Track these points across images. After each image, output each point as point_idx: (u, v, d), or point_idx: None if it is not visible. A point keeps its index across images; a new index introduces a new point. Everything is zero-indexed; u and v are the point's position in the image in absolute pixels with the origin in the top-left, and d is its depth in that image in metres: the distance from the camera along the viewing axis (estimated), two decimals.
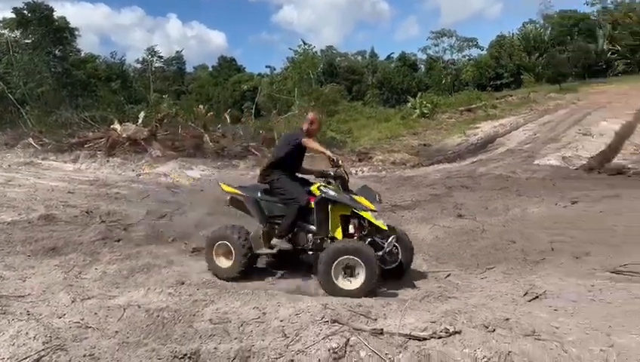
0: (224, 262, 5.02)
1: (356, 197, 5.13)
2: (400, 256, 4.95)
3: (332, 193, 5.11)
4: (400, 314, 3.79)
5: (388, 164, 18.36)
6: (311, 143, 5.42)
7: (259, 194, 5.50)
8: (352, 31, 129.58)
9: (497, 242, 6.19)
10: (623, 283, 4.60)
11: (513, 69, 60.24)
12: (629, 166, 13.51)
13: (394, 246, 4.93)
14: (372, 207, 5.06)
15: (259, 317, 3.60)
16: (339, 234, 5.12)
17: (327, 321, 3.48)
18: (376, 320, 3.62)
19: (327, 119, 22.59)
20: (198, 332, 3.30)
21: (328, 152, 5.20)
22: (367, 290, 4.47)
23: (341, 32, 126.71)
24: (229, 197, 5.63)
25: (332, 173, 5.37)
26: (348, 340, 3.06)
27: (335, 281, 4.54)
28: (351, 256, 4.56)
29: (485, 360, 3.05)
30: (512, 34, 69.15)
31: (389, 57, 76.10)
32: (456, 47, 67.47)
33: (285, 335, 3.28)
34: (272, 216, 5.41)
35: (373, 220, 5.05)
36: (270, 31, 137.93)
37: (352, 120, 31.45)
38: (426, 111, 33.67)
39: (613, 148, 16.38)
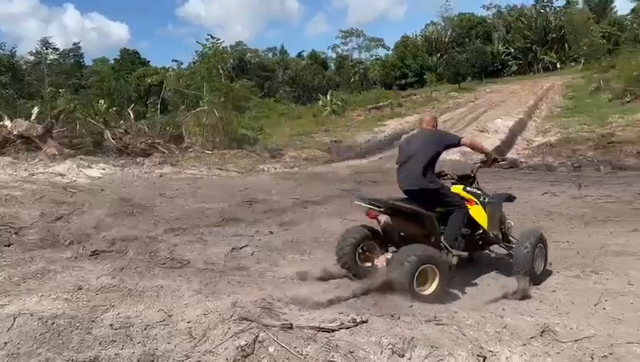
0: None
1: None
2: None
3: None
4: (310, 307, 3.81)
5: (300, 160, 18.48)
6: (471, 141, 5.39)
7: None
8: (262, 27, 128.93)
9: None
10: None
11: (417, 68, 63.08)
12: (521, 160, 14.67)
13: None
14: None
15: (164, 320, 3.44)
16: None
17: (236, 319, 3.41)
18: (285, 314, 3.61)
19: (238, 116, 22.26)
20: (97, 338, 3.09)
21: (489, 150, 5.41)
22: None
23: (251, 28, 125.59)
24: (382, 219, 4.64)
25: (468, 173, 5.43)
26: (257, 336, 3.02)
27: None
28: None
29: (390, 346, 3.14)
30: (416, 35, 72.65)
31: (299, 55, 76.65)
32: (364, 46, 69.50)
33: (192, 336, 3.18)
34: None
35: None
36: (177, 24, 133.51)
37: (264, 117, 31.31)
38: (336, 108, 34.35)
39: (507, 144, 17.69)
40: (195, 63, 26.47)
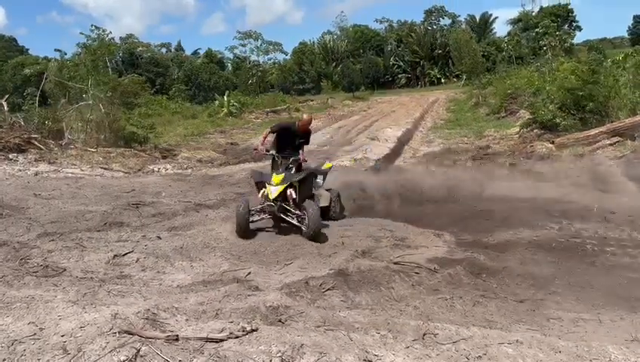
0: None
1: (275, 175, 6.96)
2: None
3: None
4: (198, 317, 3.69)
5: (194, 161, 17.93)
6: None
7: None
8: (156, 22, 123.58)
9: (294, 239, 6.47)
10: (405, 272, 5.20)
11: (314, 75, 64.35)
12: (408, 168, 15.47)
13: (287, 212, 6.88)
14: (276, 182, 6.80)
15: (34, 334, 3.13)
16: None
17: (116, 332, 3.20)
18: (171, 326, 3.45)
19: (126, 112, 21.06)
20: None
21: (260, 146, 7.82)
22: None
23: (143, 21, 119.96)
24: None
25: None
26: (138, 351, 2.84)
27: None
28: None
29: (280, 354, 3.13)
30: (313, 42, 74.12)
31: (195, 53, 74.75)
32: (262, 49, 69.47)
33: (66, 351, 2.92)
34: None
35: (267, 190, 6.82)
36: (62, 12, 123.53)
37: (155, 114, 29.94)
38: (233, 110, 33.86)
39: (396, 152, 18.58)
40: (79, 55, 24.57)
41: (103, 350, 2.86)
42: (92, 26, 22.06)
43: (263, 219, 6.95)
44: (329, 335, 3.48)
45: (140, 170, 15.02)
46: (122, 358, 2.77)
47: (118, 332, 3.19)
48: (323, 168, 8.46)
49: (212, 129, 27.81)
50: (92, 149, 17.28)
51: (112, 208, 7.89)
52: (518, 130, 19.00)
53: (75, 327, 3.25)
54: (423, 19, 74.68)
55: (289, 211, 6.79)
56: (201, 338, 3.24)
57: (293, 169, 7.15)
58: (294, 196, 6.84)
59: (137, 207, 8.05)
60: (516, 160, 14.40)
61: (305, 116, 7.91)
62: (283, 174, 6.87)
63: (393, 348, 3.40)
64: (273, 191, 6.68)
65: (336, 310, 4.00)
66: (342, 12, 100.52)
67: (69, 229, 6.40)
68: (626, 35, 68.75)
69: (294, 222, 6.71)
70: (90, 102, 19.69)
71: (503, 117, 25.15)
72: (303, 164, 7.44)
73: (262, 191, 6.97)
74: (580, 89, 15.43)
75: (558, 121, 16.03)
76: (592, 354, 3.35)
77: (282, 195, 6.76)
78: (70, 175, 12.07)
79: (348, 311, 4.04)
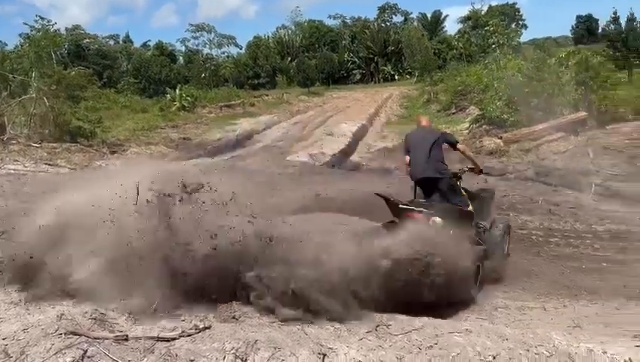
0: None
1: None
2: None
3: None
4: (150, 316, 3.60)
5: (144, 157, 17.50)
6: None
7: None
8: (103, 13, 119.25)
9: None
10: None
11: (269, 70, 63.89)
12: (363, 163, 15.67)
13: None
14: None
15: None
16: None
17: (62, 334, 3.08)
18: (120, 325, 3.36)
19: (72, 106, 20.25)
20: None
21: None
22: None
23: (90, 12, 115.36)
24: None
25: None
26: (85, 352, 2.75)
27: None
28: None
29: (233, 351, 3.10)
30: (268, 37, 73.56)
31: (145, 45, 72.66)
32: (215, 42, 68.31)
33: (8, 354, 2.78)
34: None
35: None
36: (2, 1, 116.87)
37: (103, 108, 28.92)
38: (186, 104, 33.15)
39: (351, 147, 18.77)
40: (22, 46, 23.46)
41: (47, 352, 2.75)
42: (36, 16, 21.12)
43: None
44: (283, 330, 3.48)
45: (86, 166, 14.54)
46: (68, 360, 2.67)
47: (64, 334, 3.07)
48: None
49: (163, 123, 27.12)
50: (36, 145, 16.60)
51: None
52: (468, 126, 19.56)
53: (17, 330, 3.12)
54: (376, 16, 75.57)
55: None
56: (152, 338, 3.17)
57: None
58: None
59: None
60: None
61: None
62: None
63: (347, 340, 3.44)
64: None
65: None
66: (297, 7, 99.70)
67: (7, 228, 6.09)
68: (569, 34, 71.84)
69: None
70: (34, 95, 18.86)
71: (453, 113, 25.82)
72: None
73: None
74: (525, 86, 16.06)
75: (505, 117, 16.62)
76: (537, 340, 3.49)
77: None
78: (12, 172, 11.54)
79: None
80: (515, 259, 5.69)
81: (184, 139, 22.96)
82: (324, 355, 3.20)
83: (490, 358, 3.21)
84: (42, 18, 21.20)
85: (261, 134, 23.42)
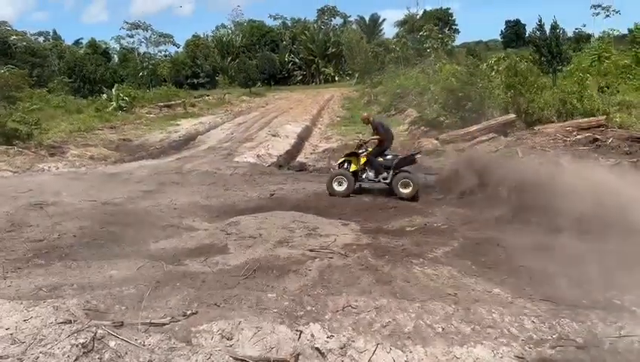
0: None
1: None
2: None
3: None
4: (136, 306, 3.93)
5: (85, 159, 17.13)
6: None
7: None
8: (29, 8, 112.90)
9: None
10: (320, 258, 5.74)
11: (209, 69, 63.18)
12: (309, 163, 16.15)
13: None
14: None
15: None
16: None
17: (61, 322, 3.37)
18: (113, 314, 3.68)
19: (7, 107, 19.44)
20: None
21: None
22: None
23: (14, 7, 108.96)
24: None
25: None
26: (95, 334, 3.08)
27: None
28: None
29: (220, 331, 3.52)
30: (207, 36, 72.70)
31: (77, 42, 69.88)
32: (152, 41, 66.77)
33: (17, 341, 3.06)
34: None
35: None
36: None
37: (36, 109, 27.73)
38: (123, 104, 32.35)
39: (297, 148, 19.21)
40: None
41: (59, 336, 3.06)
42: None
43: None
44: (262, 313, 3.92)
45: (29, 168, 14.16)
46: (80, 341, 2.99)
47: (63, 322, 3.37)
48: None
49: (100, 124, 26.34)
50: None
51: (15, 209, 7.57)
52: (407, 127, 20.52)
53: (18, 321, 3.38)
54: (315, 18, 76.55)
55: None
56: (145, 323, 3.52)
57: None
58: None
59: (42, 207, 7.78)
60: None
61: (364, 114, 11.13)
62: None
63: (317, 319, 3.94)
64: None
65: (265, 292, 4.44)
66: (238, 6, 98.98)
67: None
68: (499, 38, 75.81)
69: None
70: None
71: (393, 115, 26.83)
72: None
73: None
74: (459, 90, 17.13)
75: (442, 119, 17.66)
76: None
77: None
78: None
79: (274, 292, 4.49)
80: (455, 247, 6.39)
81: (124, 140, 22.49)
82: (301, 332, 3.68)
83: None
84: None
85: (205, 135, 23.35)
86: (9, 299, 3.82)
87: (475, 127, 15.77)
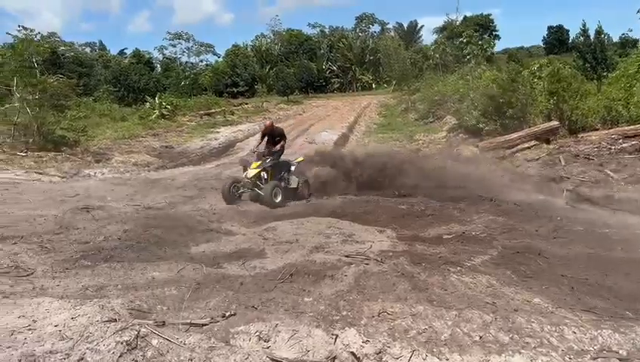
0: None
1: (253, 162, 10.12)
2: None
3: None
4: (177, 307, 4.05)
5: (129, 165, 17.72)
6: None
7: None
8: (76, 19, 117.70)
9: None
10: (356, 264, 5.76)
11: (248, 78, 64.20)
12: None
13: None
14: (253, 167, 9.96)
15: (29, 326, 3.38)
16: None
17: (106, 321, 3.51)
18: (155, 314, 3.81)
19: (56, 115, 20.32)
20: None
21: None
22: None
23: (63, 18, 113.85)
24: None
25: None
26: (138, 332, 3.20)
27: None
28: None
29: (257, 333, 3.59)
30: (246, 45, 73.97)
31: (122, 52, 72.32)
32: (194, 50, 68.54)
33: (66, 337, 3.21)
34: None
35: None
36: None
37: (83, 117, 28.85)
38: (166, 112, 33.23)
39: None
40: (2, 55, 23.39)
41: (104, 333, 3.19)
42: (19, 26, 21.21)
43: (243, 191, 9.98)
44: (298, 316, 3.97)
45: (75, 174, 14.76)
46: (125, 338, 3.11)
47: (108, 320, 3.50)
48: (295, 160, 11.09)
49: (144, 132, 27.16)
50: (22, 153, 16.69)
51: (62, 212, 7.92)
52: (445, 134, 20.31)
53: (66, 318, 3.53)
54: (354, 25, 76.78)
55: (258, 186, 9.78)
56: (185, 324, 3.63)
57: (269, 159, 10.16)
58: (265, 177, 9.99)
59: (88, 211, 8.11)
60: (444, 162, 15.50)
61: (267, 122, 11.23)
62: (260, 162, 9.99)
63: (353, 324, 3.96)
64: (250, 172, 9.86)
65: (301, 296, 4.49)
66: (276, 16, 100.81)
67: (26, 233, 6.44)
68: (541, 44, 74.00)
69: (260, 191, 9.69)
70: (17, 104, 18.92)
71: (430, 122, 26.62)
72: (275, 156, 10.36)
73: (245, 173, 9.99)
74: (500, 97, 16.82)
75: (481, 126, 17.39)
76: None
77: (257, 176, 9.85)
78: (6, 180, 11.73)
79: (311, 297, 4.54)
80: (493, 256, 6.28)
81: (166, 147, 23.13)
82: (336, 336, 3.71)
83: None
84: (25, 28, 21.30)
85: (243, 142, 23.74)
86: (58, 297, 4.00)
87: (516, 135, 15.46)
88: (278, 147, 10.48)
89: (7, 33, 25.57)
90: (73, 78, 32.90)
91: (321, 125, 29.00)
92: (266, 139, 10.59)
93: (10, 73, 19.79)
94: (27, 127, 18.62)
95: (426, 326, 3.98)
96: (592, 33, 36.69)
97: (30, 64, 20.44)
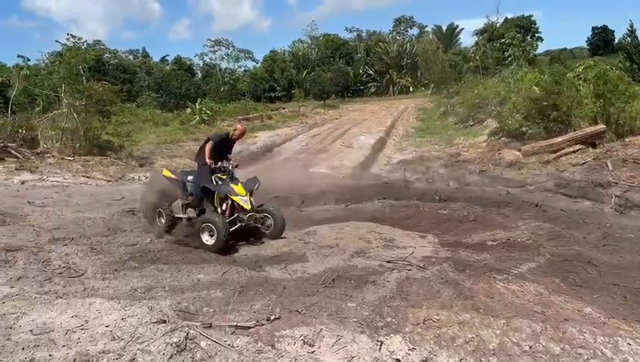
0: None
1: (235, 186, 7.05)
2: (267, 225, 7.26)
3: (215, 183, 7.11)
4: (223, 309, 4.10)
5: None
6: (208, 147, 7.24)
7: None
8: (120, 27, 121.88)
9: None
10: (397, 269, 5.70)
11: (285, 83, 64.82)
12: (383, 175, 16.06)
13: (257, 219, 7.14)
14: (242, 193, 7.02)
15: (82, 325, 3.49)
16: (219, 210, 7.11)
17: (155, 322, 3.59)
18: (202, 316, 3.87)
19: (101, 120, 21.02)
20: (19, 344, 3.07)
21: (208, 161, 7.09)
22: (218, 248, 6.39)
23: (107, 26, 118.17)
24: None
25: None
26: (187, 334, 3.25)
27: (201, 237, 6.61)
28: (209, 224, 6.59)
29: (302, 337, 3.60)
30: (284, 50, 74.73)
31: (163, 59, 74.29)
32: (232, 56, 69.64)
33: (117, 338, 3.29)
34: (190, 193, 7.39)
35: (239, 202, 6.98)
36: (22, 17, 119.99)
37: (127, 122, 29.75)
38: (206, 117, 33.93)
39: (370, 159, 19.19)
40: (52, 63, 24.44)
41: (154, 334, 3.26)
42: (67, 34, 22.10)
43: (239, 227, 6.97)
44: (342, 321, 3.95)
45: (121, 177, 15.18)
46: (174, 340, 3.17)
47: (157, 321, 3.58)
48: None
49: (185, 136, 27.79)
50: (69, 158, 17.31)
51: (110, 215, 8.17)
52: (486, 138, 19.87)
53: (117, 319, 3.63)
54: (391, 29, 76.46)
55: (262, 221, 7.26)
56: (232, 326, 3.67)
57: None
58: (253, 202, 7.17)
59: (134, 214, 8.34)
60: (485, 167, 15.16)
61: (239, 126, 7.92)
62: (240, 184, 7.13)
63: (398, 331, 3.91)
64: (245, 201, 6.97)
65: (344, 301, 4.47)
66: (313, 21, 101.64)
67: (75, 235, 6.68)
68: (585, 45, 71.83)
69: (259, 225, 7.20)
70: (65, 110, 19.66)
71: (470, 125, 26.11)
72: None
73: (226, 203, 7.06)
74: (544, 99, 16.36)
75: (524, 129, 16.94)
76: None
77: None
78: (56, 183, 12.20)
79: (354, 302, 4.52)
80: (538, 263, 6.10)
81: None
82: (381, 343, 3.67)
83: None
84: (73, 36, 22.13)
85: (281, 147, 23.93)
86: (108, 298, 4.12)
87: (560, 138, 14.99)
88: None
89: (56, 41, 26.62)
90: (117, 84, 34.08)
91: (358, 129, 28.93)
92: (214, 147, 7.29)
93: (59, 80, 20.62)
94: (74, 132, 19.31)
95: (473, 335, 3.89)
96: (639, 34, 35.30)
97: (77, 71, 21.19)
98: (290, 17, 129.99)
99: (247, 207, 6.97)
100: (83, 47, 23.41)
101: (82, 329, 3.45)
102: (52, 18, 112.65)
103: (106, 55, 61.94)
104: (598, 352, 3.72)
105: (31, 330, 3.28)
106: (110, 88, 22.99)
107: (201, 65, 72.38)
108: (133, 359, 2.99)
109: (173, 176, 7.72)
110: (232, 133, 7.74)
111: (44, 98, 22.72)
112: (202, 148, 7.41)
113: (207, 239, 6.53)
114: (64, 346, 3.14)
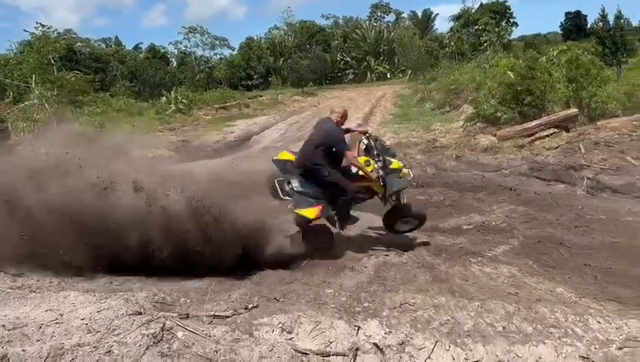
0: None
1: None
2: None
3: None
4: (200, 299, 4.10)
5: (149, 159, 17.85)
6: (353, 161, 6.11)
7: None
8: (91, 15, 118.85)
9: None
10: (375, 256, 5.75)
11: (262, 71, 64.29)
12: None
13: None
14: None
15: (56, 319, 3.45)
16: None
17: (131, 314, 3.56)
18: (179, 307, 3.86)
19: (74, 111, 20.61)
20: None
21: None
22: None
23: (77, 14, 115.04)
24: None
25: None
26: (164, 325, 3.24)
27: None
28: None
29: (280, 325, 3.62)
30: (260, 38, 74.00)
31: (137, 47, 72.85)
32: (208, 44, 68.64)
33: (92, 330, 3.27)
34: None
35: None
36: None
37: (100, 112, 29.18)
38: (182, 106, 33.44)
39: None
40: (21, 52, 23.85)
41: (131, 326, 3.24)
42: (36, 23, 21.57)
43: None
44: (320, 308, 3.99)
45: None
46: (151, 331, 3.16)
47: (133, 314, 3.56)
48: None
49: (161, 126, 27.34)
50: (42, 150, 16.93)
51: None
52: (462, 123, 20.03)
53: (92, 311, 3.59)
54: (368, 15, 76.30)
55: None
56: (210, 316, 3.67)
57: None
58: None
59: None
60: (462, 152, 15.32)
61: (338, 110, 6.68)
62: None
63: (375, 315, 3.96)
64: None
65: (322, 288, 4.51)
66: (289, 7, 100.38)
67: None
68: (558, 30, 72.74)
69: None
70: (36, 101, 19.22)
71: (447, 111, 26.28)
72: None
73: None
74: (518, 84, 16.56)
75: (499, 114, 17.14)
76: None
77: None
78: None
79: (332, 288, 4.55)
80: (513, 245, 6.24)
81: (183, 141, 23.22)
82: (359, 327, 3.72)
83: None
84: (42, 25, 21.62)
85: (259, 135, 23.75)
86: (83, 291, 4.07)
87: (534, 123, 15.19)
88: None
89: (24, 30, 25.97)
90: (90, 73, 33.40)
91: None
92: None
93: (29, 70, 20.13)
94: (46, 123, 18.90)
95: (449, 317, 3.97)
96: (611, 18, 35.87)
97: (48, 61, 20.71)
98: (265, 4, 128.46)
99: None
100: (53, 36, 22.87)
101: (57, 323, 3.41)
102: (18, 7, 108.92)
103: (78, 44, 60.47)
104: (569, 331, 3.83)
105: (3, 325, 3.22)
106: (82, 78, 22.59)
107: (176, 53, 71.31)
108: (109, 351, 2.98)
109: None
110: (337, 120, 6.37)
111: (15, 89, 22.18)
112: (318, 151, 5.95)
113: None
114: (38, 340, 3.10)
